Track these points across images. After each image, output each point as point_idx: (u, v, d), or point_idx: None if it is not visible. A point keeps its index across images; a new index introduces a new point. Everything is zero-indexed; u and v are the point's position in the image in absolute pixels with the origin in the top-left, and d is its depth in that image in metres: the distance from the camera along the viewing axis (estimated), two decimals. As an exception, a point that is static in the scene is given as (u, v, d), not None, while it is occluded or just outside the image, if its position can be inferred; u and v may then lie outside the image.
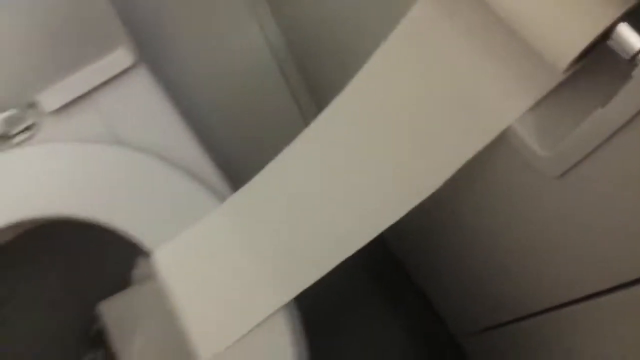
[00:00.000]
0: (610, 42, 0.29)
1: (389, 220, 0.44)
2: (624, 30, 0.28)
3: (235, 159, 0.64)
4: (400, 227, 0.44)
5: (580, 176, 0.34)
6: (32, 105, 0.59)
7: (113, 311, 0.77)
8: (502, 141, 0.37)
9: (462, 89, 0.37)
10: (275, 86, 0.78)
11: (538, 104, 0.35)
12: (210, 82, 0.75)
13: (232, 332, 0.51)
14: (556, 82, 0.33)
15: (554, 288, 0.48)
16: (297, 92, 0.79)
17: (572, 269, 0.43)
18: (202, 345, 0.51)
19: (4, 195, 0.57)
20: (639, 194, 0.31)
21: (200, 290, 0.52)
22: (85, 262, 0.72)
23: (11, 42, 0.54)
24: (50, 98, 0.59)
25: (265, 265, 0.51)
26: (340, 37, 0.60)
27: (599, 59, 0.31)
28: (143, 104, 0.61)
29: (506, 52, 0.35)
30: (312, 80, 0.78)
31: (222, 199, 0.55)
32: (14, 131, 0.59)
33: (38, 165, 0.58)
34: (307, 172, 0.50)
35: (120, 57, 0.61)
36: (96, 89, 0.60)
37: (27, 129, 0.59)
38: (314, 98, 0.81)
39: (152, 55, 0.64)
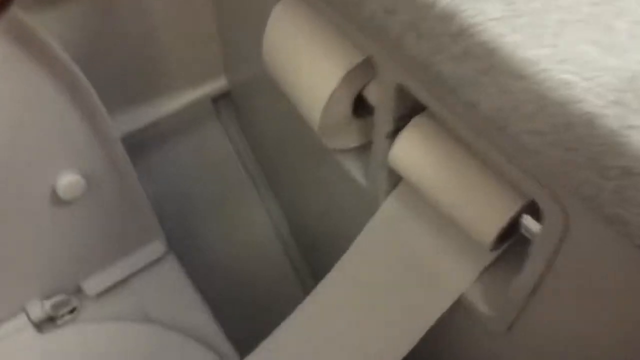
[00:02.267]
0: (520, 228, 0.40)
1: None
2: (525, 220, 0.39)
3: (243, 329, 0.72)
4: None
5: (522, 328, 0.43)
6: (77, 290, 0.70)
7: None
8: (457, 306, 0.46)
9: (423, 267, 0.48)
10: (280, 265, 0.89)
11: (482, 273, 0.45)
12: (223, 264, 0.87)
13: None
14: (492, 258, 0.44)
15: None
16: (298, 267, 0.90)
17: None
18: None
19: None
20: (570, 338, 0.40)
21: None
22: None
23: (65, 236, 0.66)
24: (93, 284, 0.70)
25: None
26: (331, 226, 0.72)
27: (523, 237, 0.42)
28: (170, 286, 0.72)
29: (454, 236, 0.45)
30: (311, 258, 0.89)
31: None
32: (60, 313, 0.69)
33: (77, 344, 0.67)
34: (307, 334, 0.59)
35: (154, 248, 0.72)
36: (132, 274, 0.71)
37: (70, 311, 0.69)
38: (313, 274, 0.91)
39: (176, 244, 0.76)
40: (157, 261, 0.73)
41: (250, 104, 0.78)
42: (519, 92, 0.28)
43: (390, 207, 0.50)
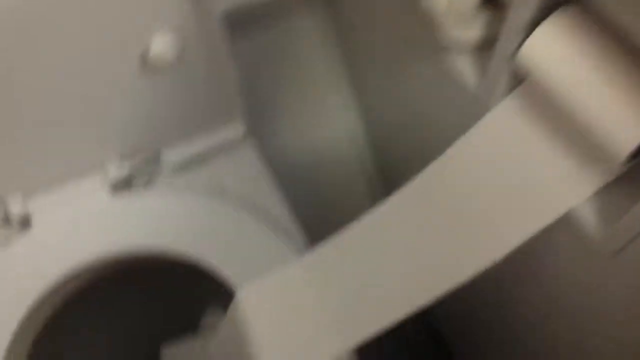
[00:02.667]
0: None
1: (447, 285, 0.50)
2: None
3: (310, 223, 0.72)
4: (451, 308, 0.50)
5: (631, 255, 0.40)
6: (155, 158, 0.70)
7: (173, 356, 0.83)
8: (561, 222, 0.43)
9: (531, 175, 0.45)
10: (352, 166, 0.88)
11: (599, 190, 0.42)
12: (296, 159, 0.86)
13: None
14: (615, 174, 0.41)
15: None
16: (369, 173, 0.88)
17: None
18: None
19: (117, 229, 0.66)
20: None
21: (275, 327, 0.59)
22: (160, 305, 0.79)
23: (153, 101, 0.65)
24: (172, 154, 0.69)
25: (334, 314, 0.58)
26: (419, 136, 0.69)
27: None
28: (246, 169, 0.71)
29: (577, 145, 0.42)
30: (384, 165, 0.87)
31: (300, 253, 0.63)
32: (136, 178, 0.69)
33: (150, 210, 0.68)
34: (379, 240, 0.57)
35: (235, 129, 0.71)
36: (210, 151, 0.71)
37: (147, 178, 0.69)
38: (384, 182, 0.90)
39: (255, 128, 0.75)
40: (236, 142, 0.72)
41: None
42: None
43: (503, 112, 0.47)
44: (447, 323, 0.93)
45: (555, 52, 0.39)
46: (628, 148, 0.37)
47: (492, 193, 0.47)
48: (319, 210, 0.83)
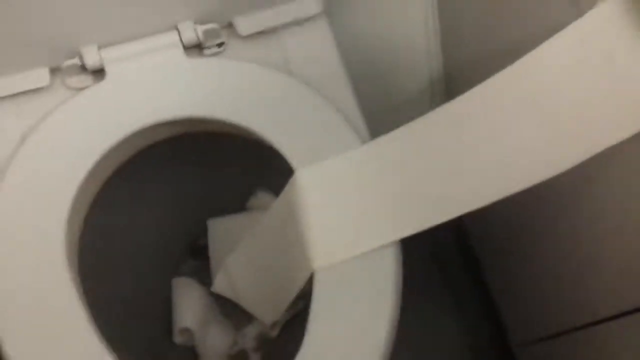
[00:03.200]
0: None
1: (512, 189, 0.50)
2: None
3: (370, 114, 0.71)
4: (487, 223, 0.50)
5: None
6: (228, 25, 0.69)
7: (218, 229, 0.86)
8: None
9: (623, 79, 0.43)
10: (418, 64, 0.86)
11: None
12: (366, 51, 0.84)
13: (348, 250, 0.58)
14: None
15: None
16: (435, 73, 0.87)
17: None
18: (319, 253, 0.58)
19: (186, 92, 0.67)
20: None
21: (329, 208, 0.60)
22: (211, 179, 0.81)
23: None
24: (245, 23, 0.68)
25: (387, 205, 0.59)
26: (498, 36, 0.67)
27: None
28: (318, 48, 0.70)
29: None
30: (453, 69, 0.85)
31: (362, 141, 0.63)
32: (208, 44, 0.69)
33: (219, 74, 0.68)
34: (447, 135, 0.57)
35: (310, 4, 0.70)
36: (283, 26, 0.70)
37: (218, 45, 0.69)
38: (448, 87, 0.89)
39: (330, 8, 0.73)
40: (310, 19, 0.70)
41: None
42: None
43: (601, 13, 0.45)
44: (476, 230, 0.94)
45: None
46: None
47: (581, 95, 0.46)
48: (379, 103, 0.83)
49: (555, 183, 0.49)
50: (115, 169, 0.68)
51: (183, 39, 0.67)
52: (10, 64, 0.65)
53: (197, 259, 0.87)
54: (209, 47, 0.69)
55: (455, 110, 0.56)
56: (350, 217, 0.59)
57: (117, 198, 0.71)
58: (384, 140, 0.61)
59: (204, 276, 0.83)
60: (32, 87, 0.65)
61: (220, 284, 0.78)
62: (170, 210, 0.82)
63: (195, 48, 0.68)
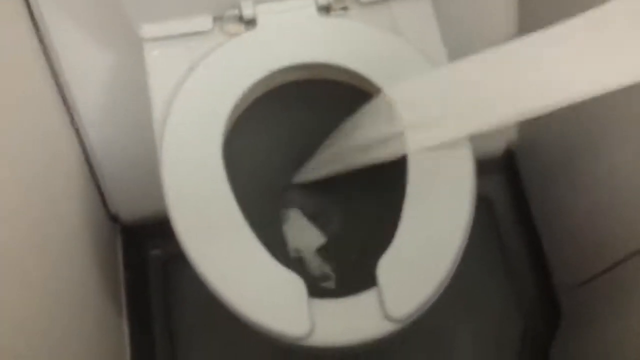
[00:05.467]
0: None
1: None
2: None
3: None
4: (538, 155, 0.62)
5: None
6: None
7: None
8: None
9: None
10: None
11: None
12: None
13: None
14: None
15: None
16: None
17: None
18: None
19: (315, 43, 0.85)
20: None
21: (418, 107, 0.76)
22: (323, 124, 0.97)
23: None
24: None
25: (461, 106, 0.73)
26: None
27: None
28: (424, 21, 0.87)
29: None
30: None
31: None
32: (335, 7, 0.86)
33: (341, 31, 0.86)
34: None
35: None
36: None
37: (343, 9, 0.87)
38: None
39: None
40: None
41: None
42: None
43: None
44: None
45: None
46: None
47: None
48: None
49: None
50: (253, 100, 0.87)
51: (317, 1, 0.84)
52: (183, 10, 0.84)
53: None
54: (335, 10, 0.86)
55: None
56: (434, 114, 0.74)
57: (250, 123, 0.89)
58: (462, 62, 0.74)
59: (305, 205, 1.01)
60: (198, 30, 0.84)
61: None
62: (283, 143, 0.99)
63: (325, 9, 0.86)
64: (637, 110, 0.73)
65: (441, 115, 0.74)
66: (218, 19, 0.85)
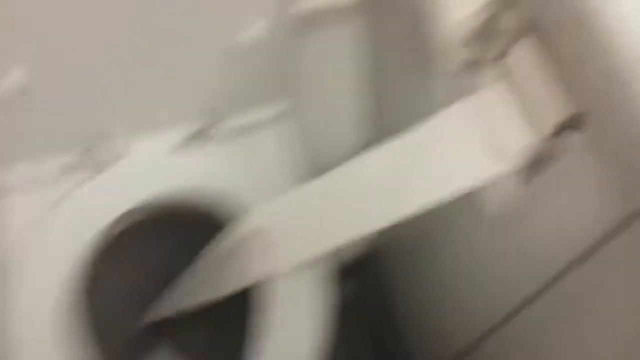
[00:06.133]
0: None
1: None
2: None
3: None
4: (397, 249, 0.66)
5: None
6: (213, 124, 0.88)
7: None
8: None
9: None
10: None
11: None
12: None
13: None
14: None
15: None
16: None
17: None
18: None
19: (157, 181, 0.85)
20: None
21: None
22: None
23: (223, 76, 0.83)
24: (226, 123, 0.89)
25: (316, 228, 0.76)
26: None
27: None
28: (285, 145, 0.90)
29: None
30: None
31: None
32: (193, 139, 0.88)
33: (199, 163, 0.87)
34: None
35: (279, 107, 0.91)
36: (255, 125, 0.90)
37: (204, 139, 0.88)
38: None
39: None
40: (279, 121, 0.91)
41: None
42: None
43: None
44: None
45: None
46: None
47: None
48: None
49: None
50: (106, 243, 0.83)
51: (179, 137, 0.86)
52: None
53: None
54: (194, 142, 0.87)
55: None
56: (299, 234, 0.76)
57: (105, 266, 0.85)
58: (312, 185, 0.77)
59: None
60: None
61: None
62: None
63: (183, 144, 0.87)
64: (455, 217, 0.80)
65: (296, 236, 0.75)
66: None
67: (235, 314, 0.86)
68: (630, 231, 0.53)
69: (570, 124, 0.54)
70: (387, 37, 0.89)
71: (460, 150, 0.63)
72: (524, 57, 0.58)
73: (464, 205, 0.65)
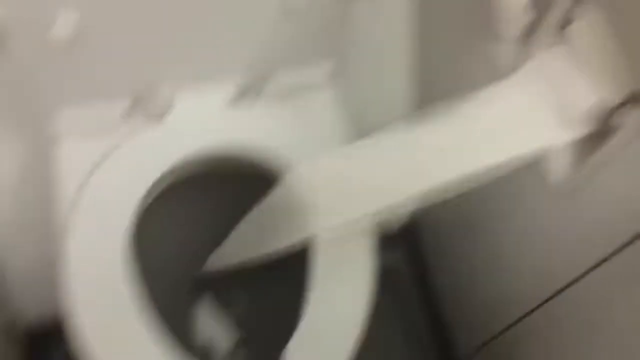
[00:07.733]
0: None
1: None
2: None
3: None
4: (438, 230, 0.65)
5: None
6: (263, 81, 0.87)
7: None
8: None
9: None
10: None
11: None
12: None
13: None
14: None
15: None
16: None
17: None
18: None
19: (208, 135, 0.84)
20: None
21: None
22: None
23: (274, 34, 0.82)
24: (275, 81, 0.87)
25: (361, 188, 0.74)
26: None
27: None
28: (328, 110, 0.90)
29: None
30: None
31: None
32: (247, 94, 0.87)
33: (248, 120, 0.87)
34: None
35: (323, 70, 0.90)
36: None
37: (255, 95, 0.87)
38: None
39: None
40: (321, 84, 0.90)
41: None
42: None
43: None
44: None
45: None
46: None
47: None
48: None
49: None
50: (161, 191, 0.85)
51: (230, 89, 0.85)
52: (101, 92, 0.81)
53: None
54: (248, 97, 0.86)
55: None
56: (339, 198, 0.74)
57: (160, 214, 0.86)
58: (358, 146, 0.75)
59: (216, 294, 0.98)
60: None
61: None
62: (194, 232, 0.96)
63: (238, 97, 0.86)
64: (515, 189, 0.77)
65: (342, 198, 0.74)
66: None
67: (278, 278, 0.87)
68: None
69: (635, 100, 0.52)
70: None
71: (527, 113, 0.61)
72: (589, 24, 0.55)
73: (521, 178, 0.64)
